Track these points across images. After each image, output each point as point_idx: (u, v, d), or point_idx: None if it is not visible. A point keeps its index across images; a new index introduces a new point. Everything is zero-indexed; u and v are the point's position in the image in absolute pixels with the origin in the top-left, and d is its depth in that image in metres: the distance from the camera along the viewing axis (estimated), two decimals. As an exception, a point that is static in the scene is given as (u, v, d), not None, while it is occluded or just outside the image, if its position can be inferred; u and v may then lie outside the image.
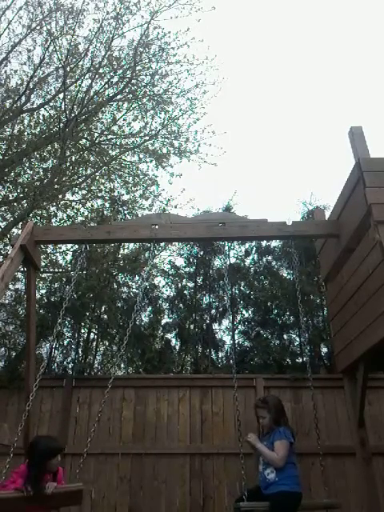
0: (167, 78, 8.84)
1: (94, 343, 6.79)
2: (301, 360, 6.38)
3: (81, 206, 8.56)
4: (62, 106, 8.04)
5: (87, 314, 6.45)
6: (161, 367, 6.34)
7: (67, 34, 8.20)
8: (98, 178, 8.84)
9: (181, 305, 7.19)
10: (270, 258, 7.50)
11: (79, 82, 8.28)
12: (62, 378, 5.76)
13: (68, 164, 8.26)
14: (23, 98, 8.14)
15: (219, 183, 17.02)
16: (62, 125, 7.85)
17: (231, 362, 4.90)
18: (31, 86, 8.08)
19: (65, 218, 8.30)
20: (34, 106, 8.48)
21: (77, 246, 7.08)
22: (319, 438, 3.67)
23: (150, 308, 7.10)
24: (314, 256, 6.12)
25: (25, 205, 7.66)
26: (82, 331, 6.72)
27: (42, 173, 8.18)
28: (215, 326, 7.04)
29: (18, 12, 8.21)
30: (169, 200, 8.70)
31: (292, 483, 3.12)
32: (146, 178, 8.80)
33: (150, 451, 5.24)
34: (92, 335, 6.85)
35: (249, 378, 5.61)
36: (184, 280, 7.38)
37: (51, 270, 7.70)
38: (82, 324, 6.63)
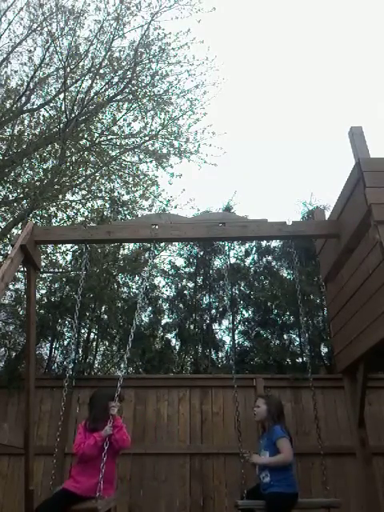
0: (167, 78, 8.86)
1: (94, 343, 6.79)
2: (301, 360, 6.38)
3: (81, 206, 8.56)
4: (62, 107, 8.06)
5: (87, 314, 6.45)
6: (161, 367, 6.34)
7: (68, 35, 8.21)
8: (98, 178, 8.83)
9: (181, 305, 7.19)
10: (270, 258, 7.51)
11: (79, 82, 8.30)
12: (62, 378, 5.75)
13: (68, 164, 8.26)
14: (23, 99, 8.16)
15: (219, 183, 17.04)
16: (62, 125, 7.87)
17: (231, 362, 4.89)
18: (31, 86, 8.09)
19: (65, 218, 8.29)
20: (34, 106, 8.49)
21: (77, 246, 7.08)
22: (320, 437, 3.67)
23: (150, 308, 7.10)
24: (314, 256, 6.12)
25: (25, 205, 7.66)
26: (82, 331, 6.71)
27: (42, 173, 8.18)
28: (215, 326, 7.05)
29: (19, 13, 8.24)
30: (169, 200, 8.71)
31: (285, 484, 3.20)
32: (146, 178, 8.80)
33: (150, 451, 5.23)
34: (92, 335, 6.85)
35: (249, 377, 5.61)
36: (184, 280, 7.38)
37: (51, 270, 7.69)
38: (82, 324, 6.63)
